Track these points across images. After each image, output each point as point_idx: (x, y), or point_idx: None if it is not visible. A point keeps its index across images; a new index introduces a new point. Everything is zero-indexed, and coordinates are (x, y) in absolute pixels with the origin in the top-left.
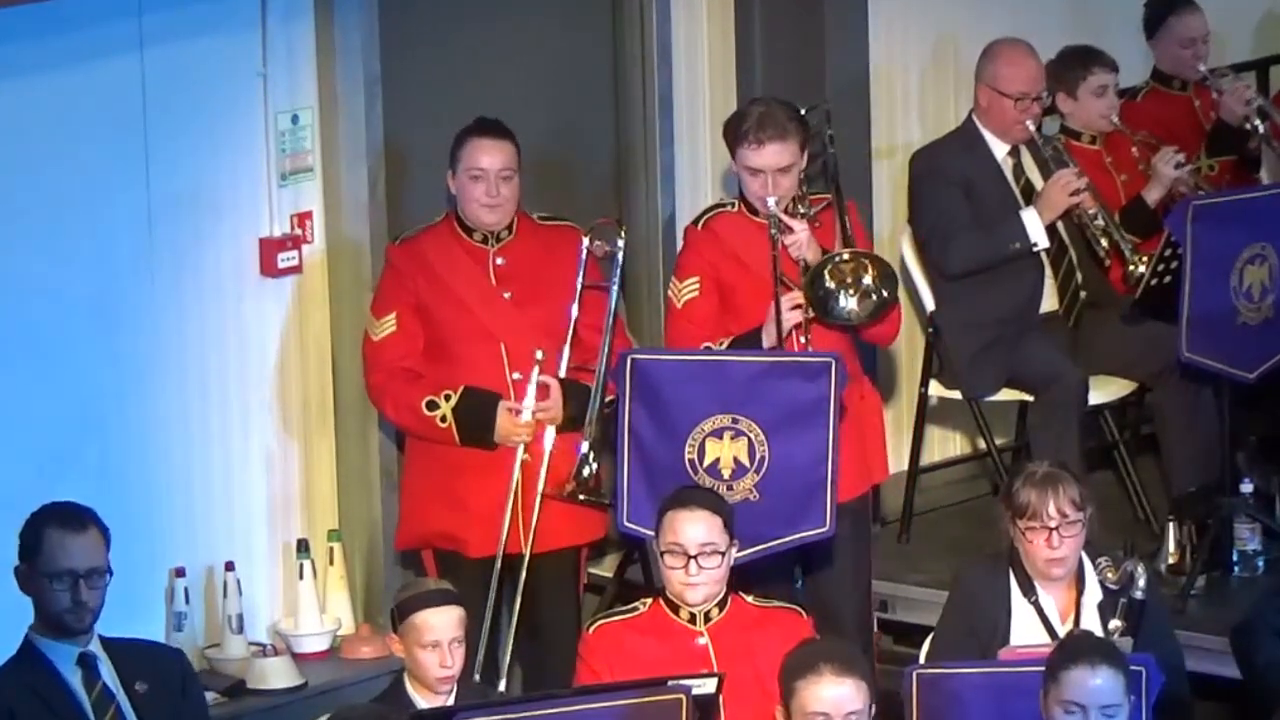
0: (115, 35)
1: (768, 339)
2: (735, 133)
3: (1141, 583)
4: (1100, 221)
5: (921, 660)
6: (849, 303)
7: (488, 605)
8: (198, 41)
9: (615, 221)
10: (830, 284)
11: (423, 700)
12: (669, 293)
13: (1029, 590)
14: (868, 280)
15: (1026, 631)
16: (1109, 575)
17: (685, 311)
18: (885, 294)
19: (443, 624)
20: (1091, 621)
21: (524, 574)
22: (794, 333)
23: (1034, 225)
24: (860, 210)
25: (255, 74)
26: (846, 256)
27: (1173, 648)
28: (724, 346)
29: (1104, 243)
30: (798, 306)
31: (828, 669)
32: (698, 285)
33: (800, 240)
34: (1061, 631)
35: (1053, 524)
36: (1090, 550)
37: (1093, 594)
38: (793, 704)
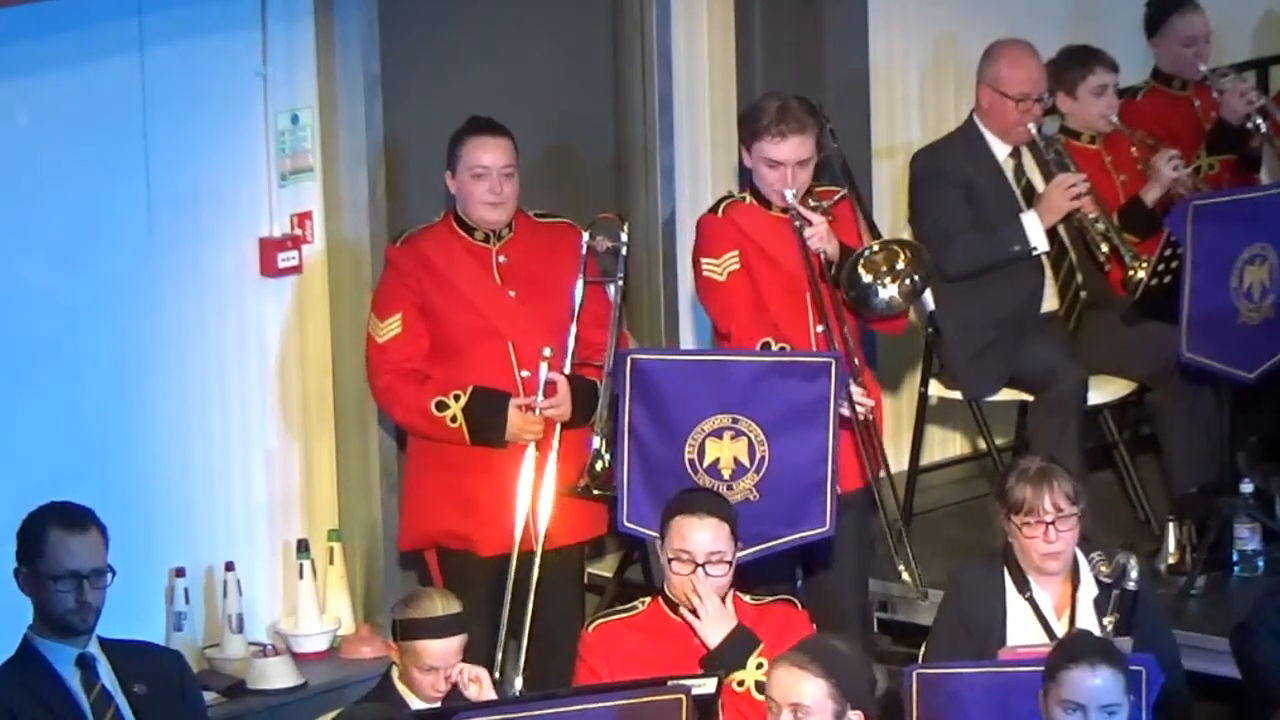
0: (115, 35)
1: None
2: (754, 126)
3: (1134, 574)
4: (1101, 226)
5: (914, 651)
6: (889, 292)
7: (504, 605)
8: (198, 41)
9: (617, 216)
10: (866, 278)
11: (413, 697)
12: (707, 273)
13: (1024, 587)
14: (901, 265)
15: (1023, 628)
16: (1102, 569)
17: (731, 284)
18: (919, 276)
19: (444, 653)
20: (1087, 617)
21: (536, 571)
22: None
23: (1034, 229)
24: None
25: (255, 74)
26: (876, 248)
27: (1168, 641)
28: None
29: (1104, 247)
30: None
31: (787, 657)
32: (738, 257)
33: (820, 232)
34: (1057, 627)
35: (1048, 518)
36: (1085, 546)
37: (1088, 589)
38: None
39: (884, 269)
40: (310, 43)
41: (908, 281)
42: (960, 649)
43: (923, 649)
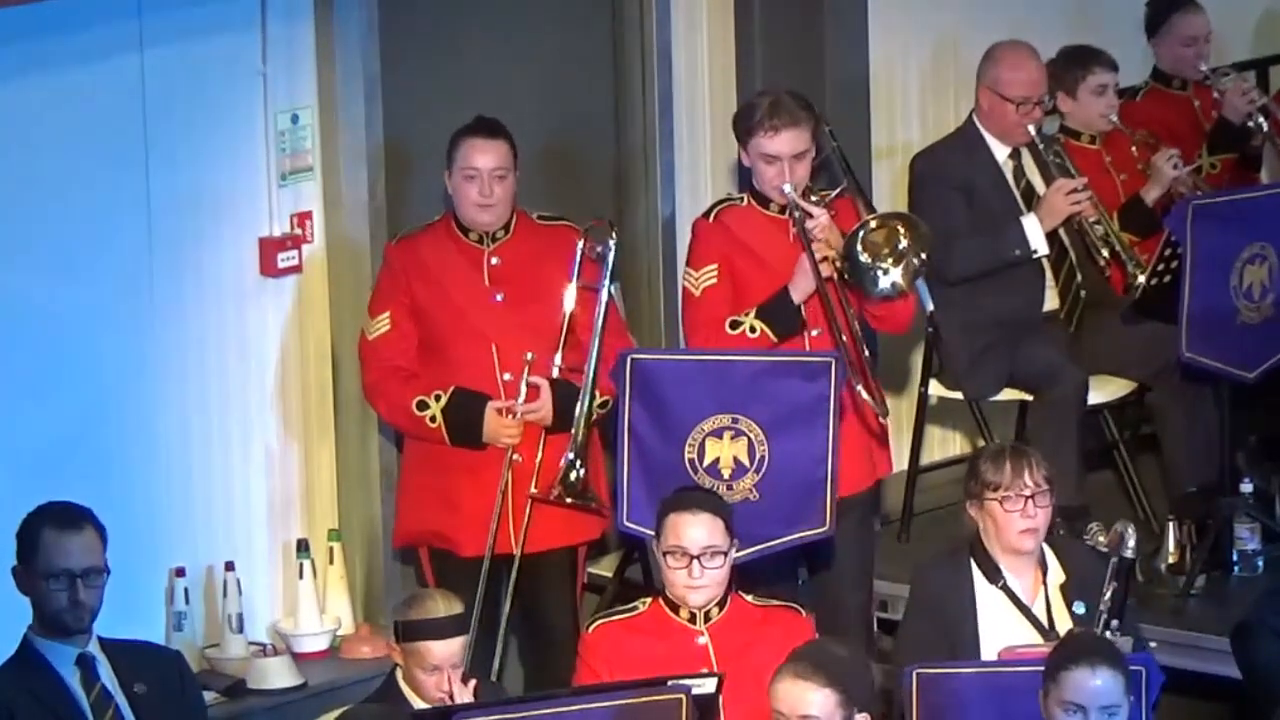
0: (115, 35)
1: (799, 293)
2: (748, 122)
3: (1131, 543)
4: (1100, 229)
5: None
6: (892, 275)
7: (474, 604)
8: (198, 41)
9: (607, 223)
10: (865, 259)
11: (416, 698)
12: (685, 282)
13: (995, 576)
14: (902, 244)
15: (997, 617)
16: (1100, 539)
17: (705, 298)
18: (923, 255)
19: (446, 653)
20: (1056, 602)
21: (514, 574)
22: (829, 288)
23: (1034, 232)
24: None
25: (255, 74)
26: (874, 224)
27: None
28: (749, 317)
29: (1104, 252)
30: (825, 259)
31: (792, 668)
32: (716, 272)
33: (822, 224)
34: (1034, 610)
35: (1027, 492)
36: (1053, 539)
37: (1055, 576)
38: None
39: (885, 250)
40: (310, 43)
41: (913, 261)
42: (931, 649)
43: (893, 647)
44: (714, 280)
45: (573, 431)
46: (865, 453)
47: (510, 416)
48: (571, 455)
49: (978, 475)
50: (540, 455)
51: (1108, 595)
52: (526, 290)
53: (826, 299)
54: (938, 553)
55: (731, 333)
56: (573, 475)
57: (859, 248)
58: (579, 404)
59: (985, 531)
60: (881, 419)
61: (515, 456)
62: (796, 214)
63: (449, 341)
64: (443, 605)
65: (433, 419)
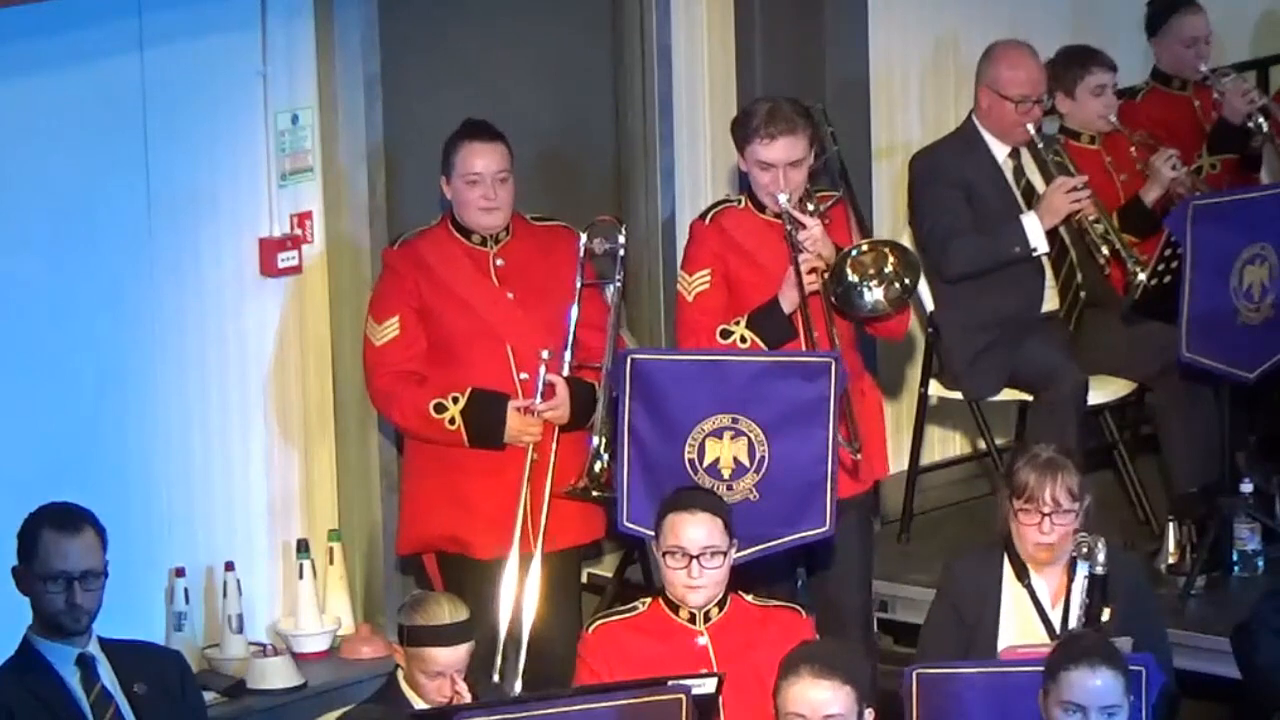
0: (115, 35)
1: (788, 304)
2: (745, 129)
3: (1101, 558)
4: (1100, 227)
5: (914, 651)
6: (874, 294)
7: (499, 606)
8: (198, 41)
9: (615, 219)
10: (852, 277)
11: (417, 699)
12: (678, 286)
13: (1023, 573)
14: (889, 268)
15: (1016, 616)
16: (1083, 549)
17: (697, 304)
18: (908, 281)
19: (451, 660)
20: (1077, 607)
21: (538, 573)
22: (813, 302)
23: (1034, 230)
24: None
25: (255, 74)
26: (865, 248)
27: (1162, 641)
28: (740, 326)
29: (1104, 250)
30: (814, 270)
31: (807, 670)
32: (709, 277)
33: (814, 235)
34: (1051, 614)
35: (1046, 510)
36: None
37: (1082, 581)
38: (778, 701)
39: (871, 271)
40: (310, 43)
41: (895, 285)
42: (951, 637)
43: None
44: (706, 286)
45: (596, 423)
46: (862, 455)
47: (530, 415)
48: (597, 443)
49: (1011, 473)
50: (554, 452)
51: (1079, 610)
52: (534, 289)
53: (806, 313)
54: (974, 545)
55: (722, 342)
56: (598, 466)
57: (847, 268)
58: (600, 397)
59: (1013, 529)
60: (854, 456)
61: (533, 455)
62: (789, 226)
63: (462, 343)
64: (448, 611)
65: (451, 421)
